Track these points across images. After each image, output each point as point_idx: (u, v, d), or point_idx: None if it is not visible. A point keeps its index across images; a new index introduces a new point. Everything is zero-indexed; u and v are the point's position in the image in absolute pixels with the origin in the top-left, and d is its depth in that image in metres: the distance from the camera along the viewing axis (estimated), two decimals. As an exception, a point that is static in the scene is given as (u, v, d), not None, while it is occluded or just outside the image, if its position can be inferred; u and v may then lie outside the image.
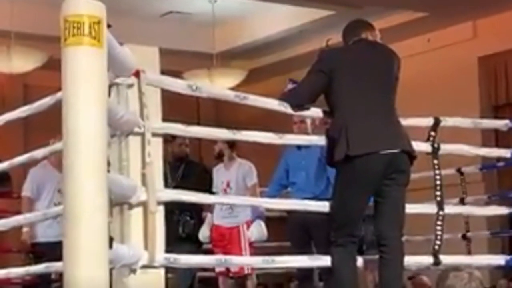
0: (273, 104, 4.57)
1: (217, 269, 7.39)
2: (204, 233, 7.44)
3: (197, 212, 7.24)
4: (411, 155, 4.57)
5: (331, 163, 4.59)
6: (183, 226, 7.07)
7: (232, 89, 8.70)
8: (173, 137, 6.86)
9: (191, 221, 7.08)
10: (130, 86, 3.88)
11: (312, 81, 4.63)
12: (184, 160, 7.27)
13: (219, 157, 7.39)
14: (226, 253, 6.96)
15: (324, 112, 4.70)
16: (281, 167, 6.69)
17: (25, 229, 7.28)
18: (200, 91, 4.25)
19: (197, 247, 7.19)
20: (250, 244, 7.25)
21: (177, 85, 4.15)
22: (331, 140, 4.55)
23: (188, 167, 7.25)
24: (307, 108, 4.67)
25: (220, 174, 7.40)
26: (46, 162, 7.17)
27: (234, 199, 5.98)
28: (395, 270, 4.52)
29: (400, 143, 4.53)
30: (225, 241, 7.28)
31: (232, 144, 7.25)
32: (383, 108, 4.60)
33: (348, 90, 4.55)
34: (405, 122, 4.74)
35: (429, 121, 5.08)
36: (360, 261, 4.64)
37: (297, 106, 4.62)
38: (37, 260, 6.67)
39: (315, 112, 4.71)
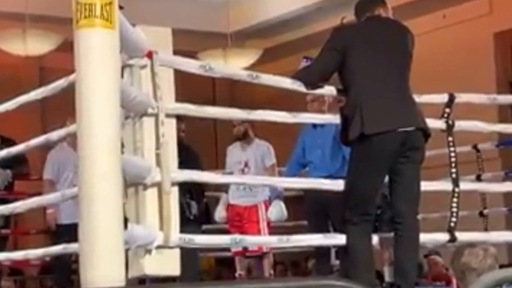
0: (286, 82, 4.57)
1: (234, 249, 7.40)
2: (219, 213, 7.44)
3: (198, 193, 7.21)
4: (425, 133, 4.57)
5: (346, 142, 4.59)
6: (188, 208, 7.06)
7: (247, 69, 8.69)
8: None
9: (192, 202, 7.07)
10: (143, 67, 3.89)
11: (325, 59, 4.62)
12: (180, 145, 7.24)
13: (244, 137, 7.35)
14: (243, 232, 6.96)
15: (338, 90, 4.69)
16: (299, 145, 6.69)
17: (49, 211, 7.31)
18: (213, 71, 4.25)
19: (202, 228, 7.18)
20: (268, 223, 7.25)
21: (190, 65, 4.15)
22: (346, 118, 4.54)
23: (185, 152, 7.22)
24: (321, 87, 4.67)
25: (235, 154, 7.38)
26: (64, 143, 7.19)
27: (249, 179, 5.98)
28: (411, 248, 4.52)
29: (415, 120, 4.52)
30: (243, 220, 7.28)
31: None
32: (398, 85, 4.58)
33: (362, 68, 4.54)
34: (419, 99, 4.72)
35: (443, 98, 5.05)
36: (375, 239, 4.64)
37: (310, 85, 4.62)
38: (59, 241, 6.73)
39: (329, 90, 4.71)
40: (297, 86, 4.58)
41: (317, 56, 4.68)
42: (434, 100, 5.08)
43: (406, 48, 4.65)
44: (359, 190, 4.50)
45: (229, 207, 7.40)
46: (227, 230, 7.35)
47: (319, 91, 4.72)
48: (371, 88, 4.51)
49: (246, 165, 7.26)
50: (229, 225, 7.43)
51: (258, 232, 7.12)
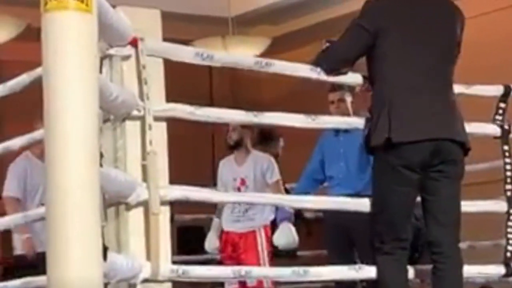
0: (303, 70, 4.55)
1: (228, 286, 7.38)
2: (211, 243, 7.43)
3: None
4: (464, 146, 4.53)
5: (368, 149, 4.56)
6: None
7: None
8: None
9: None
10: (126, 58, 3.90)
11: (352, 39, 4.57)
12: None
13: (236, 147, 7.35)
14: (240, 265, 6.95)
15: (364, 77, 4.65)
16: (316, 157, 6.68)
17: (24, 237, 7.27)
18: (212, 59, 4.25)
19: None
20: (269, 253, 7.22)
21: (184, 53, 4.16)
22: (369, 119, 4.52)
23: None
24: (345, 73, 4.63)
25: (229, 169, 7.35)
26: (28, 153, 7.20)
27: (253, 196, 5.98)
28: (452, 283, 4.50)
29: (450, 130, 4.47)
30: (239, 250, 7.27)
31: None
32: (439, 82, 4.56)
33: (396, 56, 4.50)
34: (468, 90, 4.70)
35: (497, 90, 5.02)
36: (412, 271, 4.63)
37: (332, 70, 4.58)
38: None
39: (354, 77, 4.67)
40: (317, 74, 4.55)
41: (343, 34, 4.63)
42: (486, 93, 5.05)
43: (454, 35, 4.62)
44: (387, 210, 4.48)
45: (223, 235, 7.38)
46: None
47: (342, 78, 4.68)
48: (405, 83, 4.49)
49: (243, 183, 7.25)
50: (223, 257, 7.41)
51: (257, 264, 7.10)
